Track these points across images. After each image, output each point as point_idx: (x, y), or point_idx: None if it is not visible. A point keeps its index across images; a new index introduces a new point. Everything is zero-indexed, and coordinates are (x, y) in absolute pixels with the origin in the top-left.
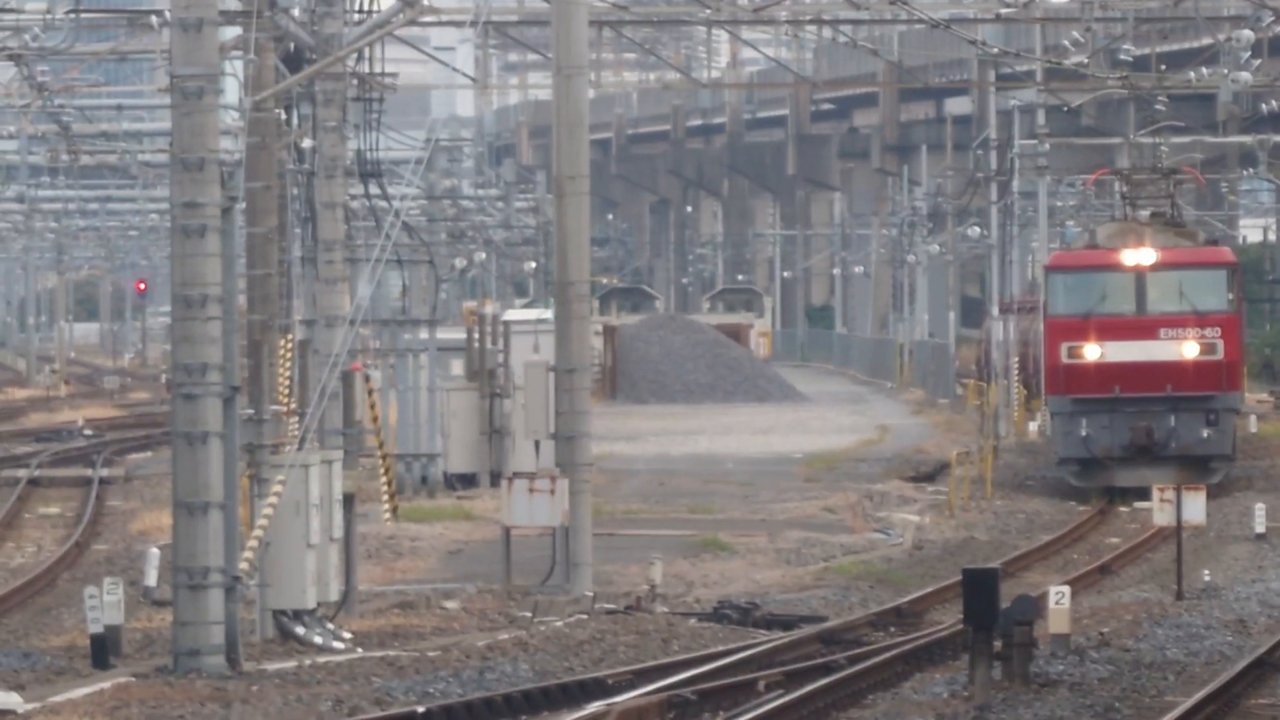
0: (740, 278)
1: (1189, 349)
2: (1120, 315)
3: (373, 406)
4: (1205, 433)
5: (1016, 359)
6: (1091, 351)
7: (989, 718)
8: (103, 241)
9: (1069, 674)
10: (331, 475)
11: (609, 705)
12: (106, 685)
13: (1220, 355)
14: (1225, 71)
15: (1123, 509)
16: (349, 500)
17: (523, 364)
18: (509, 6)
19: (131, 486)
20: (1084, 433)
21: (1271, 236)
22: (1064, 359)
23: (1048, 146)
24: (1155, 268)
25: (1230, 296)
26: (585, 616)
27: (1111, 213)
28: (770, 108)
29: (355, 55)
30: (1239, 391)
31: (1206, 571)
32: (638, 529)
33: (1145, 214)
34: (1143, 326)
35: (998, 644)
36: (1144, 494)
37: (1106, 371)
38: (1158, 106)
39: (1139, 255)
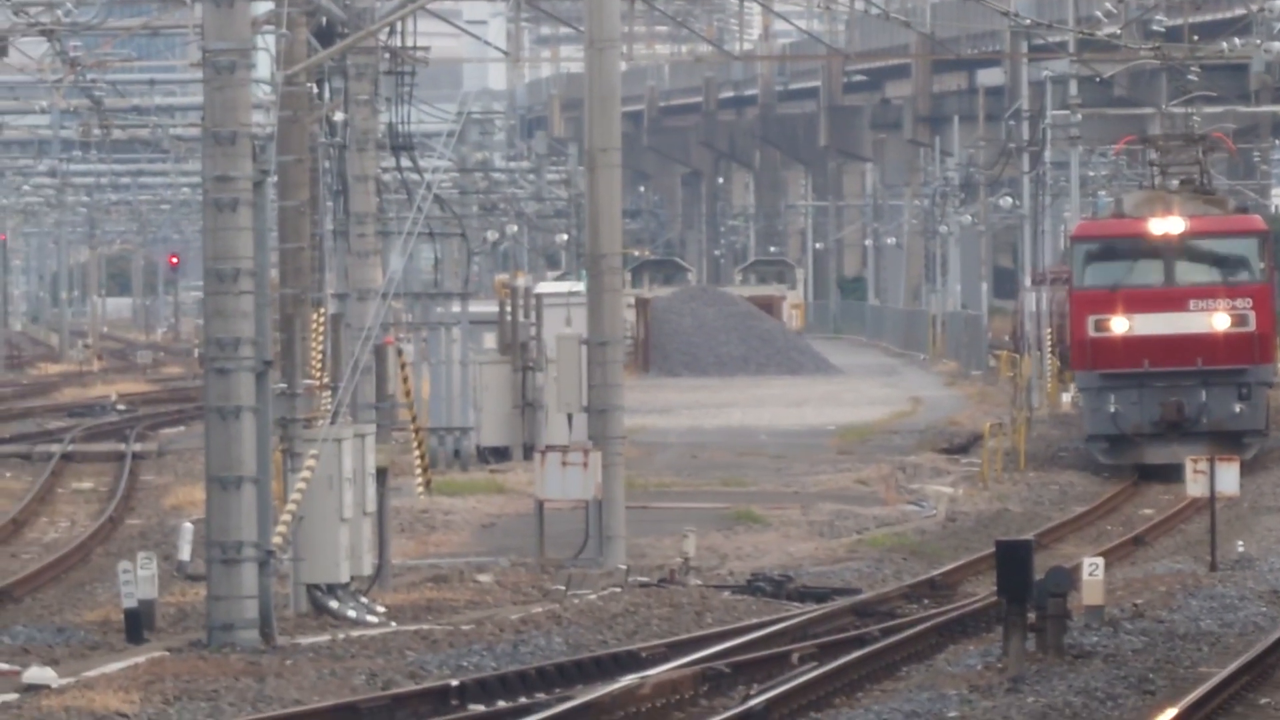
0: (772, 249)
1: (1219, 321)
2: (1148, 287)
3: (405, 380)
4: (1237, 407)
5: (1050, 330)
6: (1119, 325)
7: (1023, 689)
8: (135, 216)
9: (1103, 645)
10: (364, 449)
11: (642, 678)
12: (141, 660)
13: (1252, 327)
14: (1258, 41)
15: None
16: (382, 474)
17: (555, 337)
18: None
19: (164, 461)
20: (1112, 409)
21: None
22: (1091, 332)
23: (1080, 117)
24: (1184, 237)
25: (1262, 266)
26: (619, 589)
27: (1141, 182)
28: (802, 79)
29: (387, 29)
30: (1272, 364)
31: (1240, 542)
32: (671, 502)
33: (1175, 182)
34: (1171, 298)
35: (1032, 616)
36: (1176, 471)
37: (1134, 345)
38: (1190, 76)
39: (1167, 224)
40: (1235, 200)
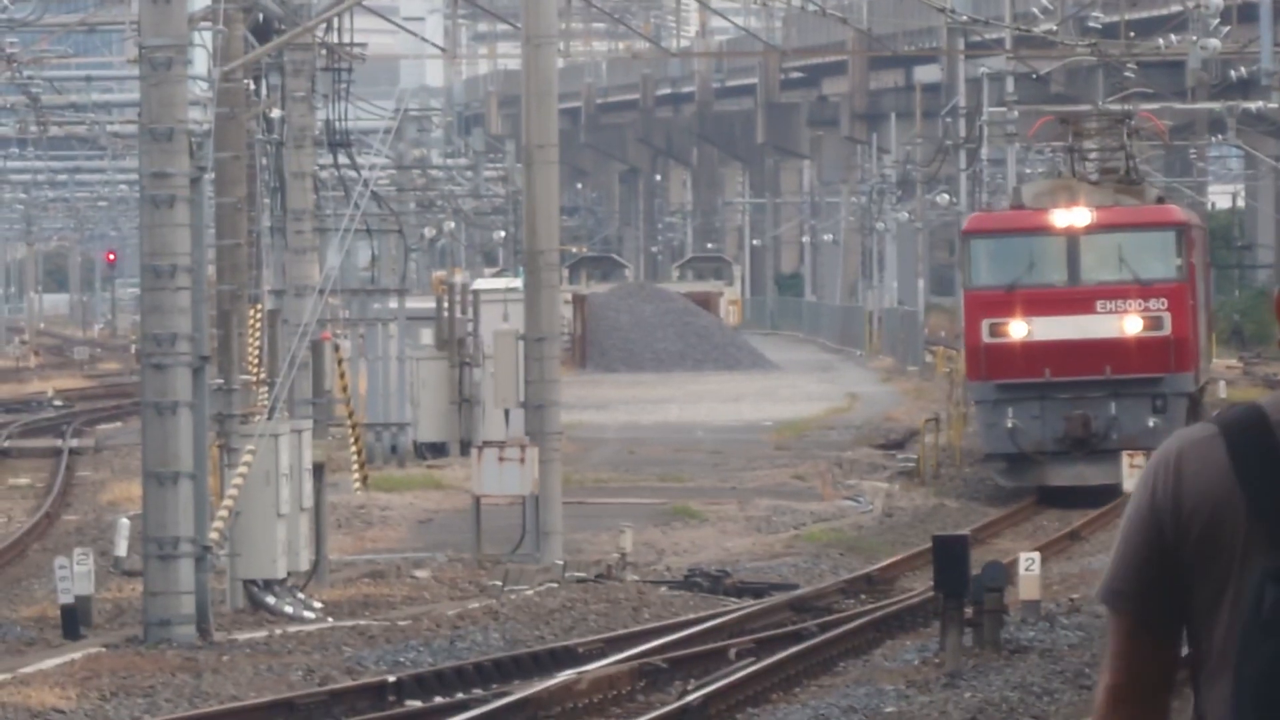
0: (710, 246)
1: (1131, 324)
2: (1050, 286)
3: (342, 376)
4: (1151, 422)
5: None
6: (1017, 329)
7: (960, 684)
8: (72, 212)
9: (1039, 640)
10: (301, 445)
11: (580, 674)
12: (77, 656)
13: (1167, 330)
14: (1194, 38)
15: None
16: (319, 470)
17: (492, 333)
18: None
19: (101, 457)
20: (1010, 424)
21: (1240, 202)
22: (985, 338)
23: (1017, 114)
24: (1090, 230)
25: (1179, 262)
26: (556, 585)
27: (1060, 169)
28: (739, 76)
29: (324, 25)
30: (1190, 372)
31: None
32: (608, 497)
33: (1097, 171)
34: (1076, 299)
35: (968, 611)
36: (1081, 495)
37: (1035, 352)
38: (1126, 73)
39: (1071, 216)
40: (1156, 190)
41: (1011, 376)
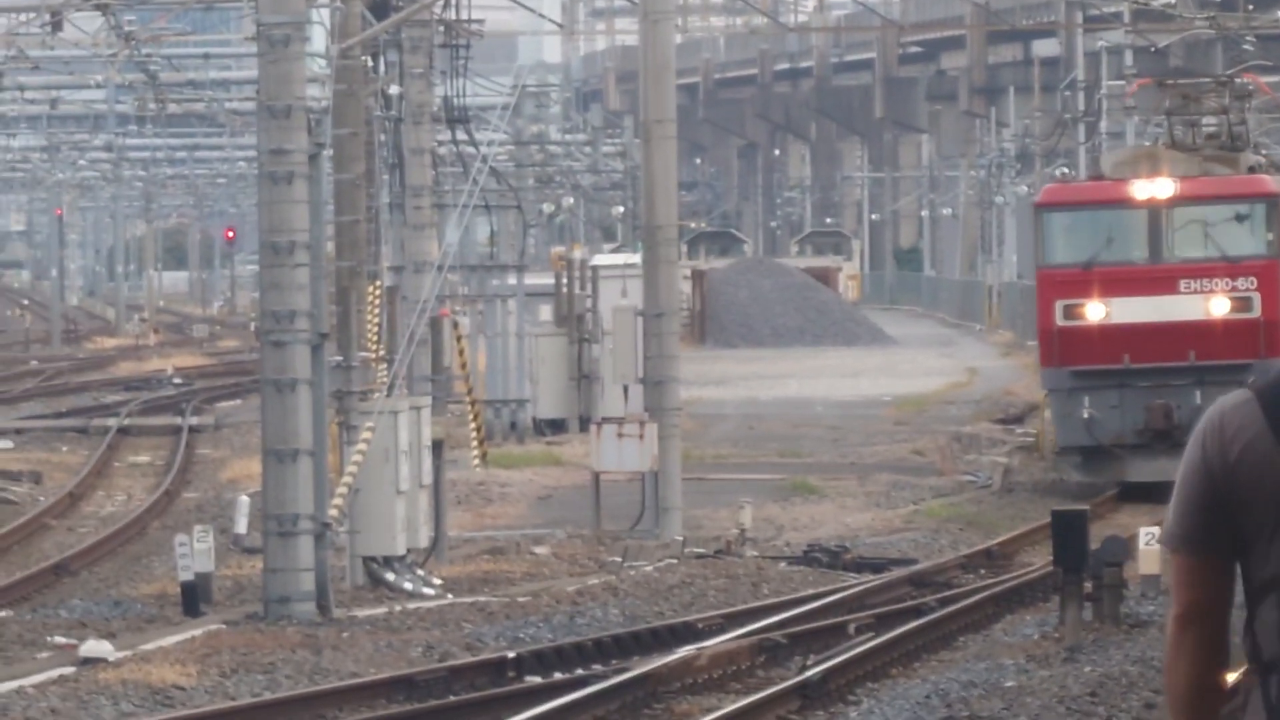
0: (828, 221)
1: (1217, 305)
2: (1130, 264)
3: (461, 352)
4: None
5: None
6: (1094, 311)
7: (1080, 658)
8: (191, 189)
9: (1159, 615)
10: (420, 421)
11: (699, 649)
12: (197, 632)
13: (1257, 312)
14: None
15: None
16: (438, 446)
17: (611, 309)
18: None
19: (221, 434)
20: (1086, 414)
21: None
22: (1059, 321)
23: (1135, 87)
24: (1174, 202)
25: (1270, 237)
26: (675, 561)
27: (1160, 138)
28: (857, 51)
29: (442, 2)
30: None
31: None
32: (727, 473)
33: (1203, 138)
34: (1158, 278)
35: (1088, 585)
36: (1164, 491)
37: (1113, 336)
38: (1245, 46)
39: (1153, 187)
40: (1253, 159)
41: (1088, 363)
